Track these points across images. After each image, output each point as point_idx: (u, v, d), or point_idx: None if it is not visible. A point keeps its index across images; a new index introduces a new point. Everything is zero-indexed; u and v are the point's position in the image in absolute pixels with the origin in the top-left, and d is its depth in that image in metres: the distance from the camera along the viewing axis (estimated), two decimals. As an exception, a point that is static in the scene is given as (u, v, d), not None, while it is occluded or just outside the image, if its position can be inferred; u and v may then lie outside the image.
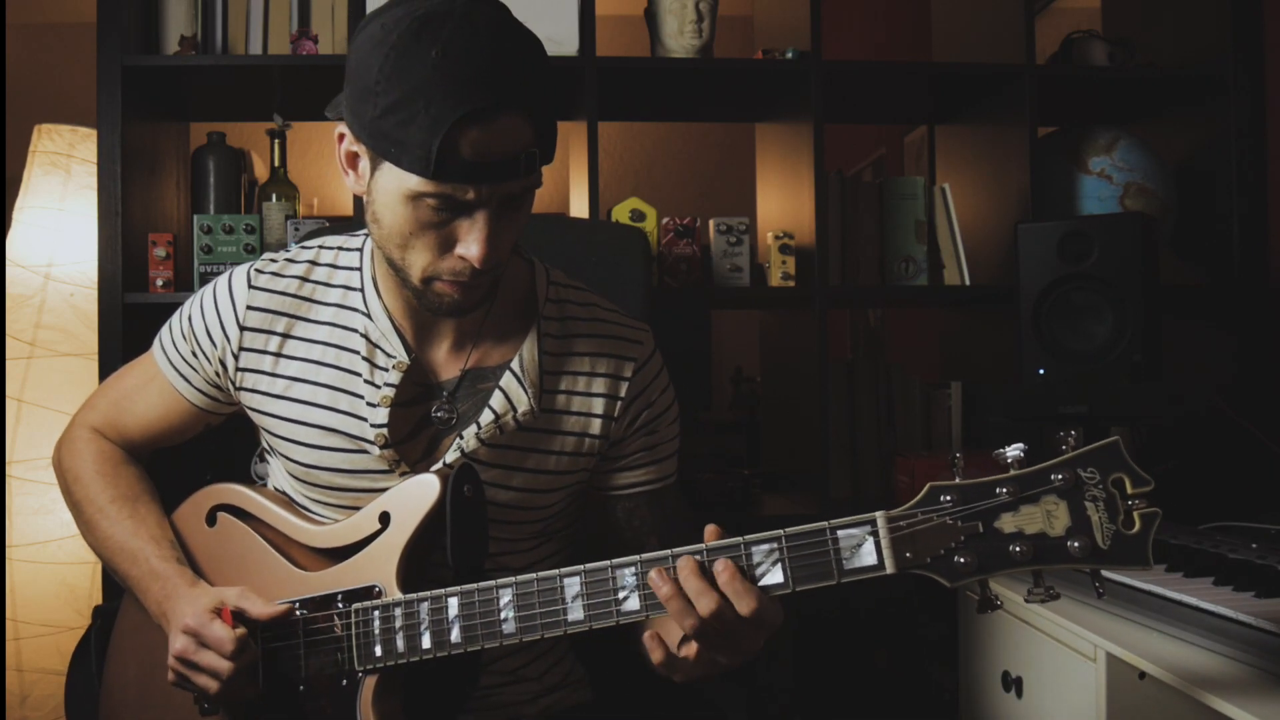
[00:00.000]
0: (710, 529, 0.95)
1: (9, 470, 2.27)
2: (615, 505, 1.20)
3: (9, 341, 2.31)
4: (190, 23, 2.06)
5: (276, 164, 2.15)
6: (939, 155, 2.54)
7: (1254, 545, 1.29)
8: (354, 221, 1.96)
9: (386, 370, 1.11)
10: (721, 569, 0.91)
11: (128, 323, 1.95)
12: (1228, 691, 0.98)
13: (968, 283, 2.18)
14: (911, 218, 2.17)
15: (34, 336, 2.32)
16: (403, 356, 1.11)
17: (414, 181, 0.96)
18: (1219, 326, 2.16)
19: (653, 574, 0.93)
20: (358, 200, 2.01)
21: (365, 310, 1.13)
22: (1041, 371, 1.71)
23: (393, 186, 0.98)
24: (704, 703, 1.31)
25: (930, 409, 2.28)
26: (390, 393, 1.10)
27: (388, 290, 1.13)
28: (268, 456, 1.25)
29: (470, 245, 0.99)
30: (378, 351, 1.12)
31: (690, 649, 0.93)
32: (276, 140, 2.15)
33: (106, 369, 1.93)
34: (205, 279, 2.00)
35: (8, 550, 2.24)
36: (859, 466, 2.23)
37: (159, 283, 1.99)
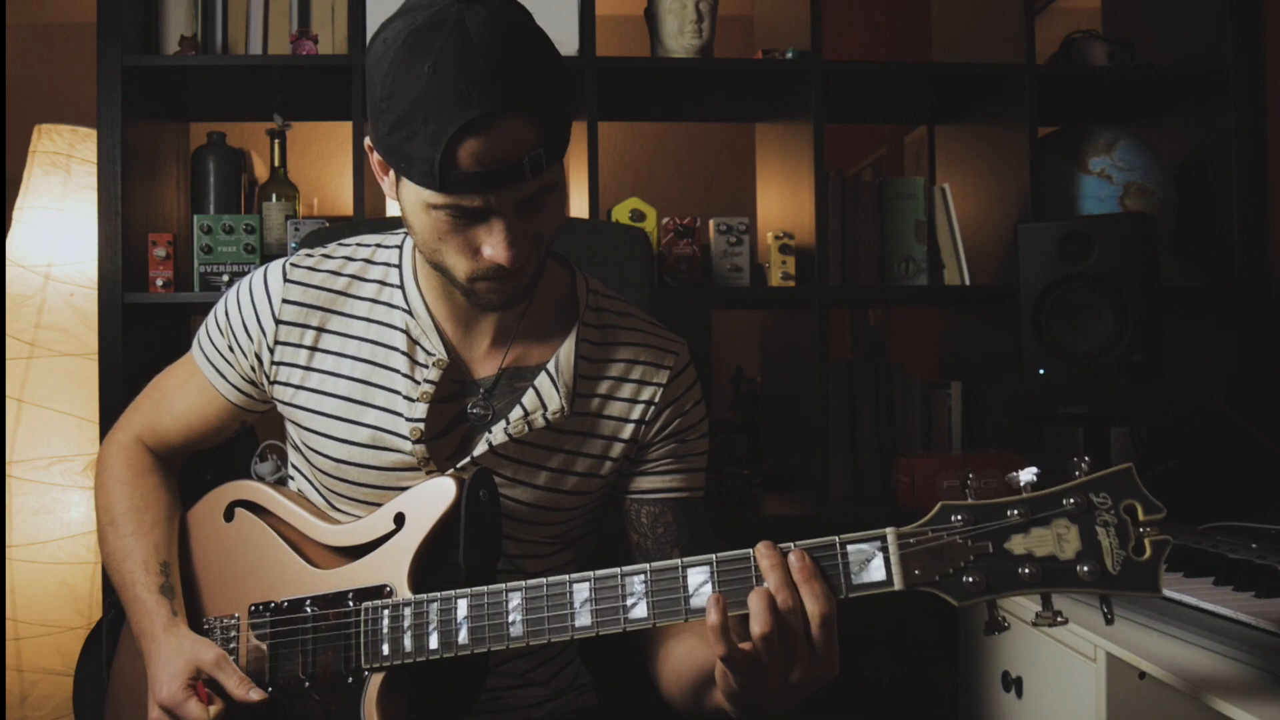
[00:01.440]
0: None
1: (9, 470, 2.27)
2: (640, 510, 1.20)
3: (9, 341, 2.31)
4: (190, 23, 2.06)
5: (276, 164, 2.15)
6: (939, 155, 2.54)
7: (1254, 545, 1.29)
8: (354, 221, 1.96)
9: (426, 367, 1.12)
10: (797, 558, 0.91)
11: (128, 323, 1.95)
12: (1228, 691, 0.98)
13: (968, 283, 2.18)
14: (911, 218, 2.17)
15: (34, 336, 2.32)
16: (442, 354, 1.12)
17: (427, 194, 0.98)
18: (1219, 326, 2.16)
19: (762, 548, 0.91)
20: (358, 200, 2.03)
21: (406, 307, 1.14)
22: (1041, 371, 1.71)
23: (413, 198, 1.00)
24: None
25: (930, 409, 2.28)
26: (430, 389, 1.11)
27: (429, 288, 1.14)
28: (289, 455, 1.25)
29: (493, 248, 1.00)
30: (418, 348, 1.13)
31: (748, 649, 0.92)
32: (276, 140, 2.15)
33: (107, 369, 1.93)
34: (205, 279, 2.00)
35: (8, 550, 2.24)
36: (859, 466, 2.23)
37: (159, 283, 1.99)
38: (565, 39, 2.04)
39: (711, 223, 2.12)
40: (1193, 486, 1.94)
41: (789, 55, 2.10)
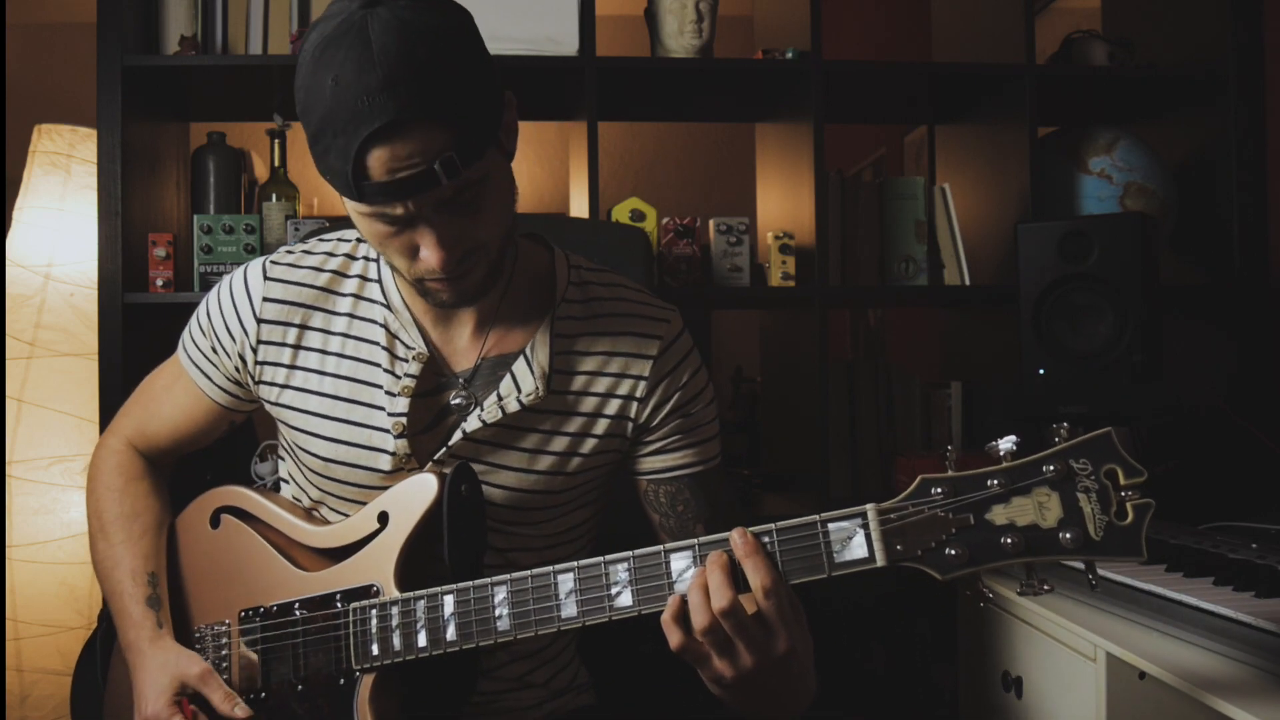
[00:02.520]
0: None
1: (9, 470, 2.27)
2: (658, 490, 1.18)
3: (9, 341, 2.31)
4: (190, 23, 2.06)
5: (276, 164, 2.15)
6: (939, 155, 2.54)
7: (1254, 545, 1.30)
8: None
9: (406, 361, 1.11)
10: (739, 535, 0.91)
11: (128, 323, 1.95)
12: (1228, 691, 0.98)
13: (968, 283, 2.18)
14: (911, 218, 2.17)
15: (34, 336, 2.32)
16: (421, 348, 1.12)
17: (352, 203, 0.98)
18: (1219, 326, 2.16)
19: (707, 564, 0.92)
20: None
21: (385, 302, 1.14)
22: (1041, 371, 1.71)
23: (348, 204, 1.00)
24: (706, 705, 1.31)
25: (930, 409, 2.28)
26: (411, 383, 1.10)
27: (405, 284, 1.13)
28: (281, 456, 1.25)
29: (427, 250, 0.99)
30: (397, 342, 1.12)
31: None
32: (276, 140, 2.15)
33: (106, 369, 1.93)
34: (205, 279, 2.00)
35: (8, 550, 2.24)
36: (859, 466, 2.23)
37: (159, 283, 1.99)
38: (565, 39, 2.05)
39: (711, 223, 2.12)
40: (1193, 486, 1.93)
41: (789, 55, 2.10)
